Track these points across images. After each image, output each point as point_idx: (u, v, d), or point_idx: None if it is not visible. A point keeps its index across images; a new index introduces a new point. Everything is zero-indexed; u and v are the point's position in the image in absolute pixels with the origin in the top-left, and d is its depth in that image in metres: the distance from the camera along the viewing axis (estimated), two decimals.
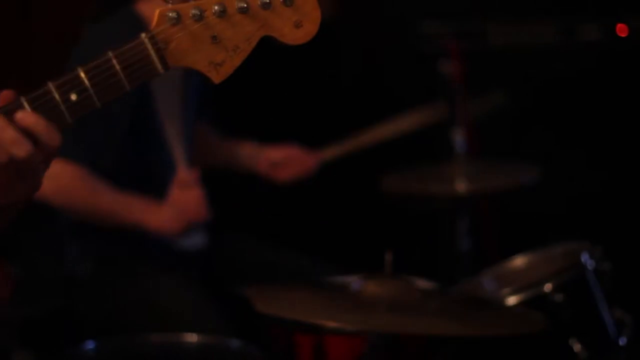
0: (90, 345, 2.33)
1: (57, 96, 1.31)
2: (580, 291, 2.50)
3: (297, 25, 1.29)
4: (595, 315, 2.56)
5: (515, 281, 2.67)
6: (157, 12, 1.26)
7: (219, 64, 1.29)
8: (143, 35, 1.27)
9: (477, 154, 3.15)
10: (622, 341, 2.56)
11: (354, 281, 2.02)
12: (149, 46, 1.28)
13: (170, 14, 1.25)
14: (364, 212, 3.62)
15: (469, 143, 2.98)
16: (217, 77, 1.30)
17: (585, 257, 2.54)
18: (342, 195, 3.72)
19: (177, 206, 2.58)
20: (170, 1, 1.26)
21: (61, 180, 2.51)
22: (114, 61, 1.29)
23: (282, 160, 3.00)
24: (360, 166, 3.65)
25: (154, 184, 2.70)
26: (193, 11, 1.25)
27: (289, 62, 3.74)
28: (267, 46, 2.88)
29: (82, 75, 1.30)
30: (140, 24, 2.59)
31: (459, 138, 2.87)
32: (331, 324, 1.96)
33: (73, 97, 1.31)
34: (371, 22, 3.91)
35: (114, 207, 2.56)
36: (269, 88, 3.73)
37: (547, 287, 2.44)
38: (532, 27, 3.59)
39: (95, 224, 2.64)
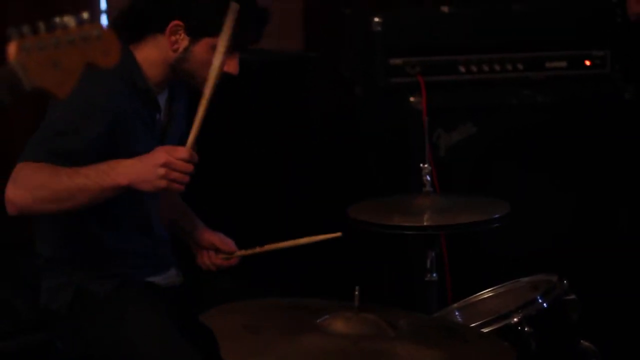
0: None
1: None
2: (547, 323, 2.53)
3: (106, 54, 1.70)
4: (563, 347, 2.59)
5: (485, 313, 2.69)
6: (15, 43, 1.60)
7: (61, 84, 1.65)
8: (11, 60, 1.61)
9: (446, 189, 3.17)
10: None
11: (323, 316, 2.03)
12: (18, 68, 1.60)
13: (23, 45, 1.60)
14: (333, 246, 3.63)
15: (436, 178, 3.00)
16: (62, 95, 1.66)
17: (552, 290, 2.58)
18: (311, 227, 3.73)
19: (153, 158, 2.45)
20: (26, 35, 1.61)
21: (19, 176, 2.43)
22: None
23: (210, 248, 2.92)
24: (328, 200, 3.68)
25: (126, 229, 2.69)
26: (37, 43, 1.62)
27: (258, 96, 3.76)
28: (236, 81, 2.91)
29: None
30: (135, 67, 2.60)
31: (427, 173, 2.88)
32: None
33: None
34: (338, 56, 3.94)
35: (76, 181, 2.43)
36: (237, 124, 3.75)
37: (515, 318, 2.47)
38: (500, 59, 3.63)
39: (66, 251, 2.62)
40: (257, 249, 2.79)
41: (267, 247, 2.77)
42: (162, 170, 2.41)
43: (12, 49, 1.61)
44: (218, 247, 2.89)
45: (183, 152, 2.44)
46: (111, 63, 1.71)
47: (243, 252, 2.84)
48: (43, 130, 2.51)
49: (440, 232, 3.08)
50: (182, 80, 2.70)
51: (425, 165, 2.90)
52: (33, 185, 2.44)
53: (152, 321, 2.61)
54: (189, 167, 2.45)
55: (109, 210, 2.63)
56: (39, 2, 3.72)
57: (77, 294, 2.65)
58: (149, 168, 2.42)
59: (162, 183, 2.42)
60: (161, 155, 2.43)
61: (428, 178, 2.89)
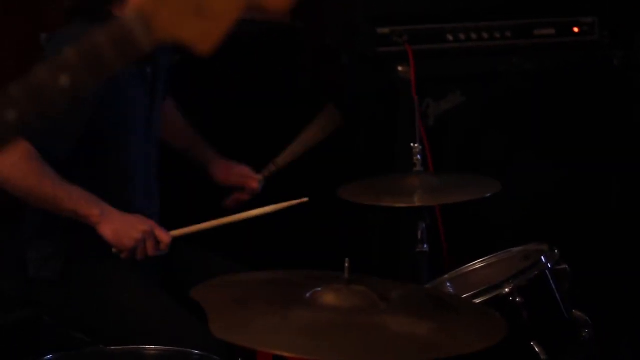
0: (48, 357, 2.30)
1: (47, 80, 1.27)
2: (539, 293, 2.52)
3: None
4: (554, 316, 2.58)
5: (476, 284, 2.68)
6: None
7: (205, 35, 1.27)
8: (128, 11, 1.27)
9: (436, 160, 3.15)
10: (581, 342, 2.58)
11: (312, 289, 2.01)
12: (135, 22, 1.26)
13: None
14: (322, 219, 3.62)
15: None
16: (205, 49, 1.28)
17: (543, 259, 2.56)
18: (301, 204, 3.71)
19: (139, 221, 2.56)
20: None
21: (9, 156, 2.46)
22: (102, 40, 1.26)
23: (226, 183, 3.01)
24: (319, 179, 3.65)
25: (105, 187, 2.67)
26: None
27: (245, 65, 3.73)
28: (227, 51, 2.88)
29: (71, 56, 1.27)
30: None
31: (418, 152, 2.87)
32: (287, 355, 1.97)
33: (64, 81, 1.27)
34: (325, 26, 3.91)
35: (57, 193, 2.52)
36: (221, 95, 3.72)
37: (507, 289, 2.45)
38: (487, 27, 3.60)
39: (57, 219, 2.61)
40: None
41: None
42: (139, 235, 2.54)
43: None
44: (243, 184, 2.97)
45: (166, 237, 2.58)
46: (284, 5, 1.28)
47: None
48: None
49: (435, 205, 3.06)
50: None
51: (416, 145, 2.88)
52: (16, 170, 2.48)
53: (145, 289, 2.62)
54: (162, 251, 2.58)
55: (101, 177, 2.62)
56: None
57: (67, 262, 2.64)
58: (130, 226, 2.55)
59: (130, 243, 2.53)
60: (148, 224, 2.56)
61: (419, 157, 2.87)
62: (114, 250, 2.57)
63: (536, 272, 2.52)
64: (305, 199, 2.65)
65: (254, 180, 2.99)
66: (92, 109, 2.53)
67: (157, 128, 2.79)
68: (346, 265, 2.01)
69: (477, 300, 2.43)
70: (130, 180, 2.72)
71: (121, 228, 2.54)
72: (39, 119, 1.30)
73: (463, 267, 2.82)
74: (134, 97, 2.66)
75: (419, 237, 2.84)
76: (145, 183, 2.78)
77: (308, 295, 2.00)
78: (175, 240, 2.62)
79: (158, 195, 2.85)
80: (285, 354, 2.00)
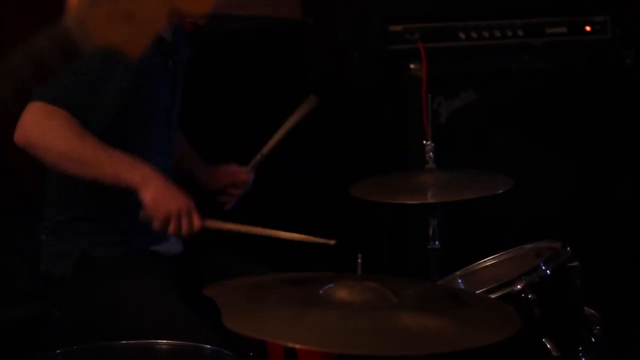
0: (58, 352, 2.30)
1: None
2: (550, 290, 2.52)
3: (196, 1, 1.40)
4: (566, 313, 2.58)
5: (487, 280, 2.68)
6: None
7: (135, 40, 1.37)
8: (66, 17, 1.36)
9: (447, 158, 3.15)
10: (593, 339, 2.58)
11: (325, 286, 2.01)
12: (73, 27, 1.35)
13: None
14: (335, 217, 3.62)
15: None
16: (134, 53, 1.38)
17: (555, 256, 2.56)
18: (312, 202, 3.72)
19: (181, 197, 2.52)
20: None
21: (50, 121, 2.45)
22: (44, 44, 1.35)
23: (221, 188, 2.99)
24: (331, 176, 3.66)
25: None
26: None
27: (254, 64, 3.73)
28: (235, 47, 2.87)
29: (16, 60, 1.35)
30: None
31: (430, 150, 2.87)
32: (299, 346, 1.98)
33: (12, 84, 1.35)
34: (336, 23, 3.91)
35: (99, 156, 2.47)
36: (232, 92, 3.72)
37: (519, 285, 2.45)
38: (499, 25, 3.60)
39: (76, 215, 2.61)
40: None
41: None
42: (174, 209, 2.47)
43: (72, 1, 1.36)
44: (234, 181, 2.97)
45: (198, 223, 2.51)
46: (203, 12, 1.40)
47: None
48: (70, 76, 2.48)
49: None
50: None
51: (428, 142, 2.88)
52: (57, 135, 2.45)
53: (156, 288, 2.62)
54: (189, 232, 2.51)
55: None
56: None
57: (81, 260, 2.64)
58: (170, 197, 2.48)
59: (164, 214, 2.47)
60: (187, 203, 2.50)
61: (431, 155, 2.87)
62: (142, 215, 2.51)
63: (548, 269, 2.51)
64: (333, 242, 2.61)
65: (243, 173, 2.98)
66: (125, 92, 2.54)
67: (176, 118, 2.80)
68: (359, 261, 2.01)
69: (489, 297, 2.43)
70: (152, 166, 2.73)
71: (161, 196, 2.48)
72: None
73: (474, 264, 2.81)
74: (158, 87, 2.67)
75: (431, 234, 2.84)
76: (165, 170, 2.79)
77: (321, 291, 2.00)
78: (191, 240, 2.62)
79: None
80: (297, 346, 2.01)
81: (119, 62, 2.51)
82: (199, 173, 3.01)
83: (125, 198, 2.61)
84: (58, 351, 2.30)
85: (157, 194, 2.48)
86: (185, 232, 2.51)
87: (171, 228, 2.49)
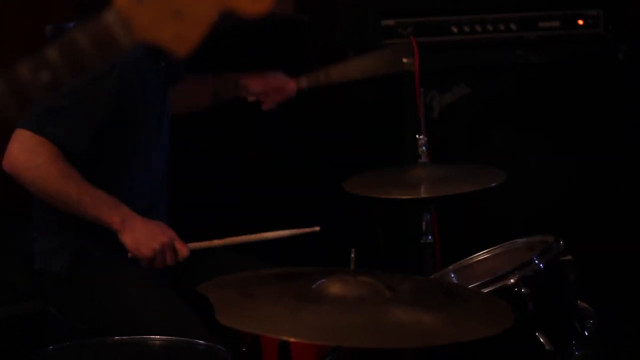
0: (52, 348, 2.30)
1: (28, 75, 1.31)
2: (544, 284, 2.52)
3: None
4: (559, 307, 2.58)
5: (481, 275, 2.68)
6: None
7: (182, 37, 1.30)
8: (108, 12, 1.29)
9: (440, 152, 3.14)
10: (586, 333, 2.58)
11: (319, 280, 2.01)
12: (115, 23, 1.29)
13: None
14: (328, 212, 3.61)
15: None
16: (182, 51, 1.32)
17: (548, 250, 2.56)
18: (305, 197, 3.71)
19: (160, 231, 2.57)
20: None
21: (36, 157, 2.50)
22: (82, 39, 1.30)
23: (264, 92, 3.05)
24: (324, 171, 3.65)
25: (123, 179, 2.68)
26: None
27: (248, 60, 3.72)
28: (230, 43, 2.87)
29: (52, 53, 1.31)
30: None
31: (423, 144, 2.87)
32: (293, 340, 1.98)
33: (44, 77, 1.30)
34: (331, 18, 3.90)
35: (82, 197, 2.53)
36: None
37: (512, 280, 2.45)
38: (492, 19, 3.60)
39: (64, 214, 2.61)
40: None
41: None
42: (158, 246, 2.53)
43: None
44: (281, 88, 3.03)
45: (185, 250, 2.57)
46: (260, 11, 1.31)
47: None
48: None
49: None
50: None
51: (421, 137, 2.88)
52: (41, 173, 2.51)
53: (150, 283, 2.62)
54: (177, 261, 2.57)
55: (110, 171, 2.63)
56: None
57: (75, 256, 2.65)
58: (150, 235, 2.54)
59: (149, 253, 2.53)
60: (168, 234, 2.56)
61: (424, 149, 2.87)
62: (130, 255, 2.57)
63: (541, 263, 2.51)
64: (317, 228, 2.63)
65: (292, 84, 3.04)
66: (111, 104, 2.55)
67: (168, 119, 2.80)
68: (352, 256, 2.01)
69: (482, 291, 2.43)
70: (145, 170, 2.73)
71: (141, 237, 2.55)
72: (19, 114, 1.32)
73: (468, 258, 2.81)
74: (150, 90, 2.67)
75: (424, 228, 2.84)
76: (160, 171, 2.79)
77: (314, 286, 2.00)
78: (186, 236, 2.62)
79: (167, 184, 2.85)
80: (292, 340, 2.01)
81: (112, 69, 2.51)
82: (241, 83, 3.04)
83: (117, 195, 2.62)
84: (51, 347, 2.30)
85: (136, 237, 2.55)
86: (171, 263, 2.55)
87: (158, 264, 2.54)
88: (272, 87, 3.04)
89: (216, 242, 2.62)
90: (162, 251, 2.54)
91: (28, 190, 2.56)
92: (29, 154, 2.49)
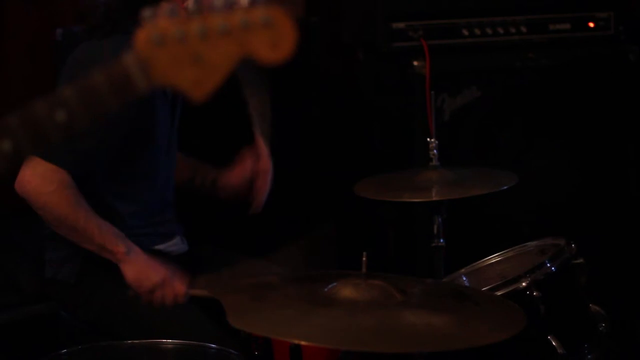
0: (63, 352, 2.31)
1: (44, 113, 1.31)
2: (556, 287, 2.51)
3: (274, 46, 1.30)
4: (571, 311, 2.58)
5: (492, 278, 2.67)
6: (144, 33, 1.28)
7: (200, 83, 1.30)
8: (128, 55, 1.29)
9: (451, 155, 3.14)
10: (598, 336, 2.57)
11: (330, 284, 2.01)
12: (134, 66, 1.29)
13: (154, 35, 1.27)
14: (339, 215, 3.62)
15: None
16: (198, 96, 1.31)
17: (560, 254, 2.56)
18: (317, 201, 3.71)
19: (160, 270, 2.57)
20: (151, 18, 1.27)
21: (48, 185, 2.52)
22: (100, 80, 1.30)
23: (241, 185, 2.93)
24: (335, 175, 3.65)
25: (137, 200, 2.69)
26: (176, 33, 1.27)
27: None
28: None
29: (69, 93, 1.31)
30: None
31: (434, 147, 2.87)
32: (305, 343, 1.98)
33: (60, 116, 1.31)
34: (340, 21, 3.90)
35: (89, 225, 2.56)
36: (234, 91, 3.71)
37: (524, 283, 2.45)
38: (503, 22, 3.60)
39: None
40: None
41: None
42: (158, 279, 2.56)
43: (139, 38, 1.27)
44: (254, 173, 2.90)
45: (182, 289, 2.56)
46: (278, 58, 1.31)
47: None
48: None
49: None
50: None
51: (432, 140, 2.88)
52: (52, 199, 2.54)
53: None
54: (174, 302, 2.56)
55: (119, 178, 2.64)
56: None
57: (84, 264, 2.66)
58: (152, 269, 2.57)
59: (148, 286, 2.55)
60: (168, 274, 2.57)
61: (435, 152, 2.87)
62: (130, 292, 2.59)
63: (553, 267, 2.51)
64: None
65: (262, 160, 2.90)
66: (122, 133, 2.56)
67: (175, 143, 2.81)
68: (363, 259, 2.01)
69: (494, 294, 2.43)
70: (153, 192, 2.74)
71: (143, 270, 2.57)
72: (34, 151, 1.33)
73: (479, 261, 2.81)
74: (159, 116, 2.68)
75: (435, 231, 2.84)
76: (166, 194, 2.81)
77: (326, 289, 2.00)
78: (196, 239, 2.63)
79: (174, 205, 2.86)
80: (303, 343, 2.01)
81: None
82: (218, 179, 2.96)
83: (125, 201, 2.63)
84: (64, 351, 2.30)
85: (138, 271, 2.57)
86: (170, 300, 2.56)
87: (157, 299, 2.55)
88: (243, 177, 2.92)
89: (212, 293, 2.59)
90: (163, 285, 2.56)
91: (37, 212, 2.59)
92: (40, 180, 2.53)
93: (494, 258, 2.82)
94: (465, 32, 3.55)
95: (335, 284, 2.01)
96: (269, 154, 2.92)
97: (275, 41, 1.29)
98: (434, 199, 2.81)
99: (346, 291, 1.99)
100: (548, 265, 2.51)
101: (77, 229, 2.57)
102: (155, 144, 2.70)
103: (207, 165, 3.00)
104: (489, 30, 3.57)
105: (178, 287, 2.57)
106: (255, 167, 2.91)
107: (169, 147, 2.77)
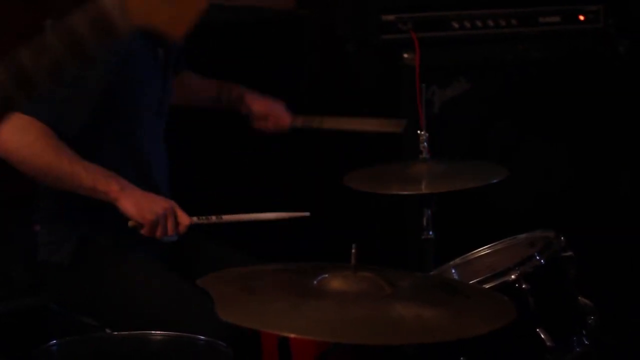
0: (54, 343, 2.31)
1: (27, 60, 1.34)
2: (545, 280, 2.52)
3: None
4: (560, 303, 2.58)
5: (482, 270, 2.68)
6: None
7: (176, 21, 1.35)
8: None
9: (441, 147, 3.14)
10: (587, 329, 2.58)
11: (319, 276, 2.01)
12: (111, 6, 1.33)
13: None
14: (329, 207, 3.61)
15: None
16: (176, 35, 1.37)
17: (549, 246, 2.56)
18: (306, 192, 3.71)
19: (161, 199, 2.55)
20: None
21: (26, 136, 2.47)
22: (80, 22, 1.34)
23: (263, 114, 3.05)
24: (325, 166, 3.65)
25: (119, 156, 2.67)
26: None
27: (248, 55, 3.72)
28: (230, 38, 2.86)
29: (51, 37, 1.34)
30: None
31: (424, 140, 2.87)
32: (294, 336, 1.98)
33: (44, 60, 1.34)
34: (330, 13, 3.90)
35: (75, 169, 2.50)
36: (230, 80, 3.71)
37: (513, 275, 2.45)
38: (493, 14, 3.60)
39: (70, 204, 2.61)
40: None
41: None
42: (160, 210, 2.51)
43: None
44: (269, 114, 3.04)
45: (186, 219, 2.55)
46: None
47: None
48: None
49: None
50: None
51: (422, 132, 2.88)
52: (34, 150, 2.48)
53: (153, 272, 2.63)
54: (177, 231, 2.55)
55: (110, 158, 2.62)
56: None
57: (79, 245, 2.65)
58: (152, 201, 2.52)
59: (151, 217, 2.50)
60: (170, 203, 2.54)
61: (425, 144, 2.87)
62: (131, 223, 2.53)
63: (542, 259, 2.51)
64: (307, 214, 2.64)
65: (288, 117, 3.05)
66: (102, 91, 2.54)
67: (167, 106, 2.80)
68: (353, 251, 2.01)
69: (483, 287, 2.43)
70: (142, 156, 2.73)
71: (143, 202, 2.52)
72: (22, 97, 1.35)
73: (468, 253, 2.81)
74: (147, 78, 2.67)
75: (425, 224, 2.84)
76: (158, 159, 2.79)
77: (316, 282, 2.00)
78: (189, 228, 2.62)
79: (167, 170, 2.85)
80: (292, 336, 2.01)
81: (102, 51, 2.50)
82: (243, 98, 3.06)
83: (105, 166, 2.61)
84: (54, 341, 2.30)
85: (138, 202, 2.52)
86: (172, 232, 2.53)
87: (159, 231, 2.52)
88: (272, 113, 3.04)
89: (214, 219, 2.61)
90: (165, 216, 2.52)
91: (20, 169, 2.53)
92: (19, 133, 2.48)
93: (483, 250, 2.82)
94: (456, 25, 3.55)
95: (324, 275, 2.01)
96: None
97: None
98: (424, 191, 2.82)
99: (336, 283, 1.98)
100: (537, 258, 2.51)
101: (64, 175, 2.50)
102: (143, 109, 2.68)
103: (230, 83, 3.08)
104: (479, 23, 3.57)
105: (181, 217, 2.55)
106: (279, 115, 3.06)
107: (159, 114, 2.76)
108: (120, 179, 2.54)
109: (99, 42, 1.34)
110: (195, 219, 2.60)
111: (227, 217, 2.62)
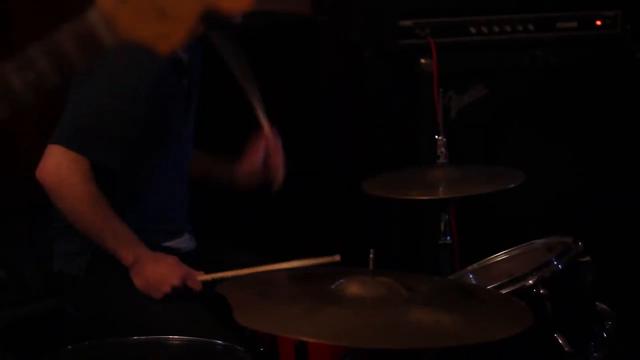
0: (69, 348, 2.31)
1: (11, 75, 1.33)
2: (562, 285, 2.51)
3: None
4: (578, 308, 2.57)
5: (499, 276, 2.67)
6: None
7: (166, 36, 1.32)
8: (92, 11, 1.32)
9: (458, 153, 3.14)
10: (605, 334, 2.57)
11: (337, 281, 2.01)
12: (98, 22, 1.31)
13: None
14: (346, 213, 3.62)
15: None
16: (165, 50, 1.33)
17: (566, 251, 2.55)
18: (323, 199, 3.71)
19: (171, 273, 2.59)
20: None
21: (72, 176, 2.51)
22: (66, 38, 1.32)
23: (258, 167, 2.92)
24: (342, 173, 3.65)
25: (154, 189, 2.70)
26: None
27: (265, 60, 3.72)
28: (245, 43, 2.87)
29: (36, 53, 1.33)
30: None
31: (442, 145, 2.87)
32: (311, 340, 1.98)
33: (29, 76, 1.33)
34: (347, 19, 3.90)
35: (105, 227, 2.56)
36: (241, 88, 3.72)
37: (530, 281, 2.45)
38: (510, 20, 3.59)
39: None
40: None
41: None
42: (168, 289, 2.58)
43: None
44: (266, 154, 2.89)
45: (197, 286, 2.60)
46: (241, 9, 1.31)
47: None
48: (82, 111, 2.52)
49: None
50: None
51: (440, 137, 2.88)
52: (74, 193, 2.52)
53: None
54: (188, 293, 2.59)
55: (132, 175, 2.64)
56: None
57: (93, 258, 2.66)
58: (161, 279, 2.58)
59: (158, 296, 2.59)
60: (179, 274, 2.59)
61: (443, 150, 2.87)
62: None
63: (560, 264, 2.51)
64: (338, 258, 2.63)
65: (269, 140, 2.90)
66: (143, 123, 2.56)
67: (190, 136, 2.81)
68: (371, 256, 2.01)
69: (500, 292, 2.42)
70: (164, 187, 2.75)
71: (152, 280, 2.59)
72: (5, 113, 1.34)
73: (486, 259, 2.81)
74: (174, 109, 2.69)
75: (442, 229, 2.84)
76: (180, 189, 2.81)
77: (333, 286, 2.00)
78: (204, 236, 2.63)
79: (187, 201, 2.86)
80: (310, 340, 2.01)
81: (140, 97, 2.53)
82: (233, 171, 2.96)
83: (135, 197, 2.63)
84: (69, 347, 2.31)
85: (147, 280, 2.59)
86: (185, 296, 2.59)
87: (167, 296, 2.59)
88: (257, 161, 2.90)
89: (229, 274, 2.61)
90: (173, 291, 2.59)
91: (54, 201, 2.57)
92: (66, 169, 2.51)
93: (500, 256, 2.81)
94: (473, 30, 3.55)
95: (341, 281, 2.01)
96: (274, 131, 2.90)
97: None
98: (441, 196, 2.82)
99: (353, 288, 1.98)
100: (555, 263, 2.51)
101: (92, 229, 2.56)
102: (166, 139, 2.70)
103: (221, 159, 3.00)
104: (496, 28, 3.56)
105: (191, 285, 2.59)
106: (266, 148, 2.89)
107: (182, 147, 2.77)
108: (139, 250, 2.59)
109: (84, 58, 1.33)
110: (205, 277, 2.62)
111: (245, 271, 2.58)
